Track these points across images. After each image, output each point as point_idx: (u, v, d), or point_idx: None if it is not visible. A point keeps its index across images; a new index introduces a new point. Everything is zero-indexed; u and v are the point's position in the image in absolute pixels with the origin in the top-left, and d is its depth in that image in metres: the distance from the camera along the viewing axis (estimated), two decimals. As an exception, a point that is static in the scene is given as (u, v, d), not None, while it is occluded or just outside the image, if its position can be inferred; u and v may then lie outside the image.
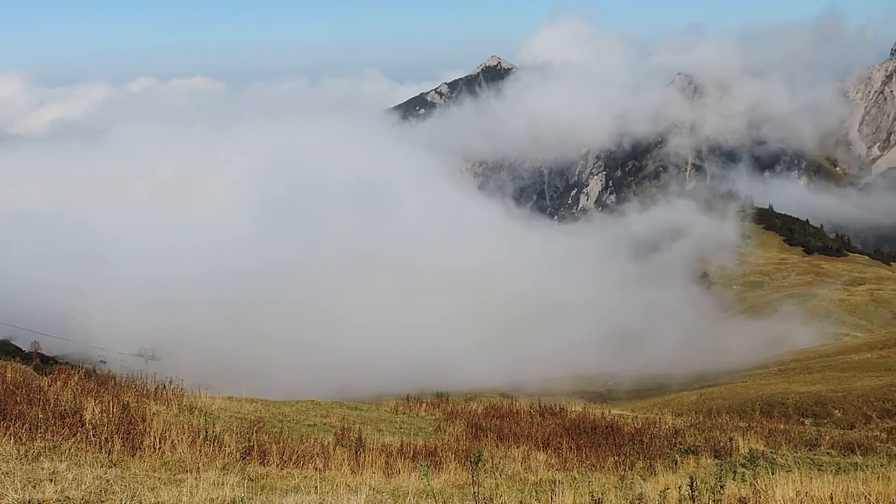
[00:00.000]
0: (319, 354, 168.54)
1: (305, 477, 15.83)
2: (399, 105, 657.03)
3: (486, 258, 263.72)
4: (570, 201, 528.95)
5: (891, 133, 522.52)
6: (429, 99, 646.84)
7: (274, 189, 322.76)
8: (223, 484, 13.64)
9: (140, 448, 16.30)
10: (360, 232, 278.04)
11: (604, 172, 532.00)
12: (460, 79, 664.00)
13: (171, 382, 24.06)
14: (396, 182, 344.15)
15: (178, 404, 22.44)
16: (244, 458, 17.26)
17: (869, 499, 12.02)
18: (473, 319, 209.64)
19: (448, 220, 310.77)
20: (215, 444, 17.65)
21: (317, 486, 14.50)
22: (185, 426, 18.24)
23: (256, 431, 19.45)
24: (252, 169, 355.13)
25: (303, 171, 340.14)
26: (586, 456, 22.63)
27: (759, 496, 12.71)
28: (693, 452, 24.19)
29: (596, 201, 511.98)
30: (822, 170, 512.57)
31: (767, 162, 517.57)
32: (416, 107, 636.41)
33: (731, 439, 25.52)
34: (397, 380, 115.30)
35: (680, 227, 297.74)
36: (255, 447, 17.92)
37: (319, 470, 17.10)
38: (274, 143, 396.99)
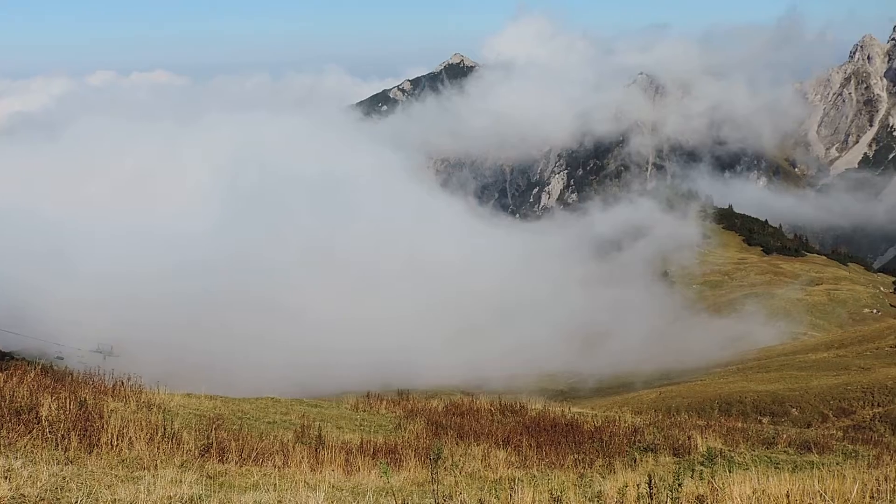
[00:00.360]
0: (281, 351, 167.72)
1: (265, 475, 15.77)
2: (362, 101, 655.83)
3: (448, 255, 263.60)
4: (531, 200, 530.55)
5: (849, 135, 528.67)
6: (391, 96, 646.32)
7: (236, 184, 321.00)
8: (181, 481, 13.55)
9: (97, 445, 16.15)
10: (322, 228, 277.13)
11: (565, 171, 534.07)
12: (423, 76, 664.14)
13: (129, 379, 23.84)
14: (359, 178, 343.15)
15: (137, 401, 22.24)
16: (203, 455, 17.15)
17: (824, 496, 12.14)
18: (436, 316, 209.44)
19: (411, 216, 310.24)
20: (174, 441, 17.53)
21: (276, 484, 14.45)
22: (143, 423, 18.07)
23: (215, 429, 19.31)
24: (214, 164, 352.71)
25: (265, 167, 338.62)
26: (546, 454, 22.69)
27: (717, 494, 12.80)
28: (652, 450, 24.34)
29: (557, 200, 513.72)
30: (781, 170, 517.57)
31: (728, 162, 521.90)
32: (378, 103, 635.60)
33: (689, 437, 25.69)
34: (360, 377, 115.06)
35: (642, 226, 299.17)
36: (214, 444, 17.81)
37: (279, 467, 17.04)
38: (236, 138, 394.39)
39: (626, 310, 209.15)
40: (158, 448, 16.72)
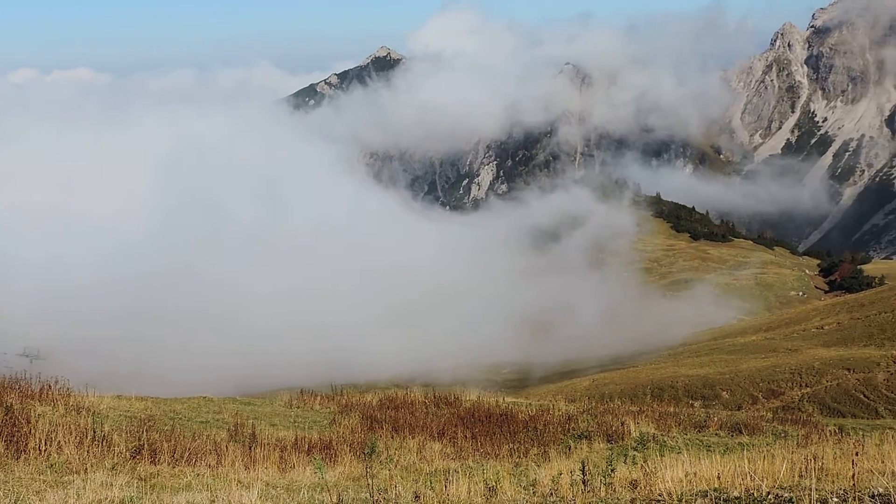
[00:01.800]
0: (219, 349, 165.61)
1: (198, 475, 15.60)
2: (290, 96, 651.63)
3: (387, 250, 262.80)
4: (461, 191, 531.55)
5: (771, 121, 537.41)
6: (319, 90, 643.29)
7: (168, 182, 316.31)
8: (112, 484, 13.35)
9: (24, 450, 15.86)
10: (258, 224, 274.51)
11: (495, 162, 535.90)
12: (350, 69, 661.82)
13: (56, 382, 23.38)
14: (292, 173, 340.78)
15: (65, 405, 21.85)
16: (134, 457, 16.92)
17: (754, 477, 12.30)
18: (380, 312, 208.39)
19: (346, 211, 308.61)
20: (104, 444, 17.26)
21: (209, 484, 14.30)
22: (73, 427, 17.77)
23: (147, 430, 19.05)
24: (144, 162, 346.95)
25: (197, 164, 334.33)
26: (481, 444, 22.76)
27: (650, 478, 12.90)
28: (586, 437, 24.52)
29: (487, 191, 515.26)
30: (707, 157, 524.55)
31: (655, 150, 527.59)
32: (306, 98, 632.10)
33: (623, 423, 25.93)
34: (303, 373, 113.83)
35: (577, 216, 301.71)
36: (146, 446, 17.58)
37: (212, 467, 16.87)
38: (166, 136, 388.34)
39: (567, 299, 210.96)
40: (88, 452, 16.45)
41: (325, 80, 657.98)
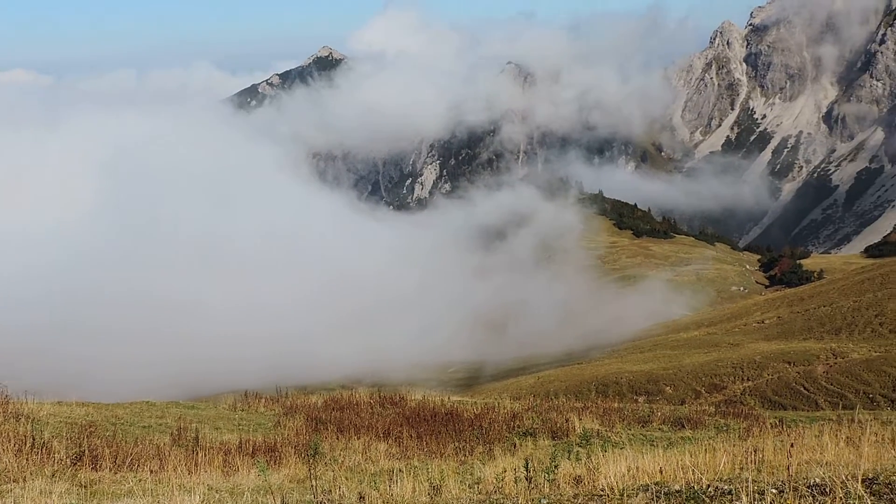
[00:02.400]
0: (166, 354, 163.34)
1: (140, 480, 15.44)
2: (231, 97, 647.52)
3: (335, 250, 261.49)
4: (405, 191, 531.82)
5: (711, 119, 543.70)
6: (260, 90, 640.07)
7: (111, 185, 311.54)
8: (51, 492, 13.17)
9: (-39, 460, 15.58)
10: (204, 226, 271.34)
11: (438, 162, 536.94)
12: (292, 70, 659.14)
13: (-6, 390, 23.01)
14: (236, 174, 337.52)
15: (3, 412, 21.51)
16: (75, 464, 16.71)
17: (696, 470, 12.43)
18: (331, 311, 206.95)
19: (293, 212, 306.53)
20: (44, 451, 17.03)
21: (151, 489, 14.14)
22: (11, 434, 17.50)
23: (88, 436, 18.80)
24: (86, 164, 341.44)
25: (139, 166, 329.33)
26: (427, 444, 22.78)
27: (593, 474, 13.00)
28: (531, 435, 24.62)
29: (431, 190, 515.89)
30: (648, 155, 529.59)
31: (598, 148, 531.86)
32: (248, 99, 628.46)
33: (567, 420, 26.06)
34: (249, 377, 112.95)
35: (522, 214, 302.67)
36: (87, 452, 17.36)
37: (155, 472, 16.70)
38: (107, 138, 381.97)
39: (517, 297, 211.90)
40: (27, 459, 16.21)
41: (266, 81, 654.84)
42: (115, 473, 16.18)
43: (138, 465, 17.23)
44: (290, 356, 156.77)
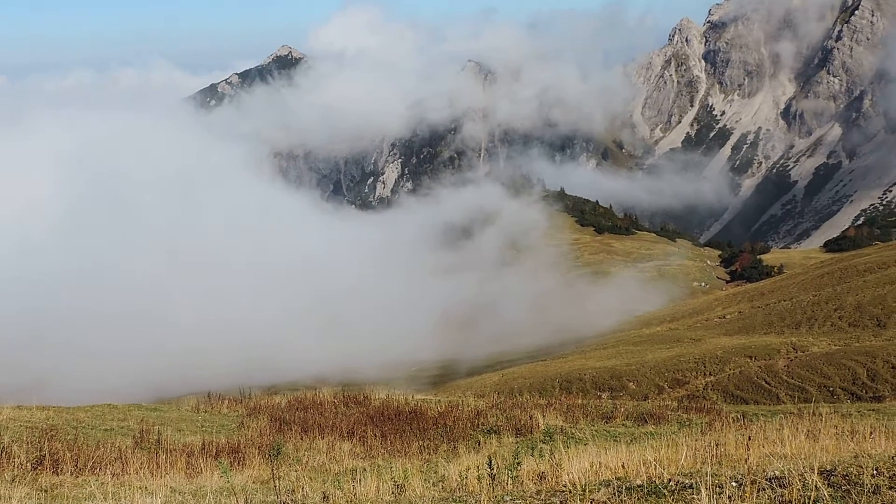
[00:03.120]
0: (134, 357, 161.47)
1: (101, 483, 15.31)
2: (192, 95, 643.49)
3: (301, 250, 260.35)
4: (367, 190, 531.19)
5: (671, 115, 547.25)
6: (220, 90, 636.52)
7: (71, 185, 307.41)
8: (11, 497, 13.04)
9: (-82, 466, 15.40)
10: (169, 226, 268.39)
11: (399, 160, 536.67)
12: (252, 69, 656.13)
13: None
14: (199, 174, 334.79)
15: (-38, 417, 21.30)
16: (35, 468, 16.56)
17: (658, 465, 12.53)
18: (300, 311, 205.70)
19: (258, 211, 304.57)
20: (4, 455, 16.87)
21: (113, 492, 14.04)
22: (-30, 440, 17.33)
23: (49, 440, 18.64)
24: (46, 166, 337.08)
25: (103, 167, 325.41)
26: (391, 443, 22.77)
27: (556, 470, 13.06)
28: (495, 432, 24.66)
29: (393, 189, 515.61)
30: (609, 152, 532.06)
31: (559, 145, 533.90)
32: (207, 98, 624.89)
33: (531, 417, 26.12)
34: (217, 377, 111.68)
35: (486, 212, 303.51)
36: (48, 456, 17.21)
37: (117, 475, 16.58)
38: (69, 139, 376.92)
39: (483, 295, 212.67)
40: (-13, 464, 16.05)
41: (225, 80, 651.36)
42: (77, 477, 16.05)
43: (100, 469, 17.10)
44: (258, 356, 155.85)
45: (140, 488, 14.52)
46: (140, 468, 17.39)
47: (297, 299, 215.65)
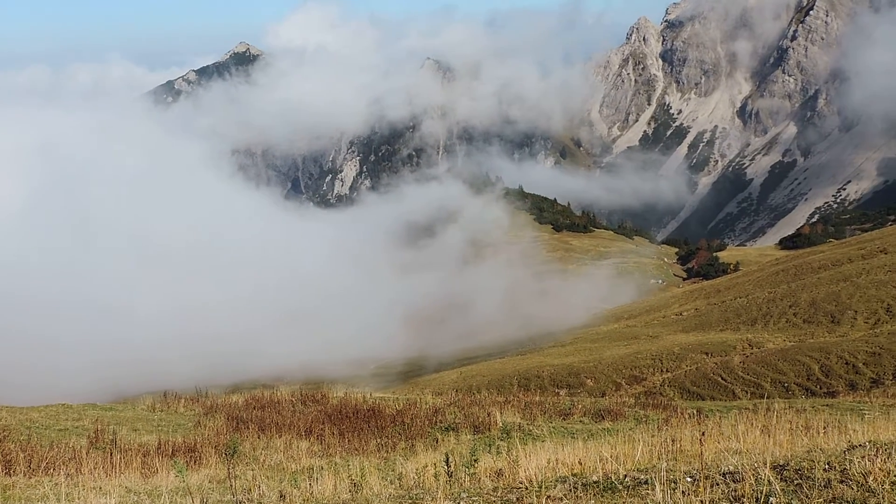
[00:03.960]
0: (91, 353, 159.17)
1: (55, 484, 15.15)
2: (149, 92, 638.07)
3: (264, 247, 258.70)
4: (325, 187, 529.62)
5: (629, 114, 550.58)
6: (177, 86, 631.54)
7: (33, 182, 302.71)
8: (-38, 499, 12.88)
9: None
10: (130, 223, 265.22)
11: (358, 158, 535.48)
12: (209, 66, 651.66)
13: None
14: (159, 171, 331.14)
15: (-88, 418, 20.98)
16: (-12, 469, 16.36)
17: (615, 461, 12.60)
18: (262, 310, 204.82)
19: (217, 208, 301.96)
20: (-46, 457, 16.65)
21: (67, 493, 13.89)
22: (-80, 440, 17.07)
23: (1, 440, 18.43)
24: (6, 162, 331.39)
25: (63, 163, 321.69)
26: (349, 441, 22.72)
27: (513, 467, 13.09)
28: (453, 430, 24.66)
29: (351, 187, 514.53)
30: (567, 150, 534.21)
31: (518, 143, 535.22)
32: (164, 95, 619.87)
33: (489, 414, 26.14)
34: (180, 376, 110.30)
35: (446, 209, 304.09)
36: (0, 457, 17.01)
37: (71, 476, 16.41)
38: (28, 135, 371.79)
39: (446, 293, 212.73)
40: (-62, 466, 15.82)
41: (182, 77, 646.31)
42: (30, 478, 15.87)
43: (54, 469, 16.92)
44: (221, 354, 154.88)
45: (94, 489, 14.38)
46: (95, 468, 17.22)
47: (260, 297, 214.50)
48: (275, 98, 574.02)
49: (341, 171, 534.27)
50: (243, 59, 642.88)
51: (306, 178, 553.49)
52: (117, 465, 17.67)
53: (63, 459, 17.85)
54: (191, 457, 19.37)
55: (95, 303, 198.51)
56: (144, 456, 18.98)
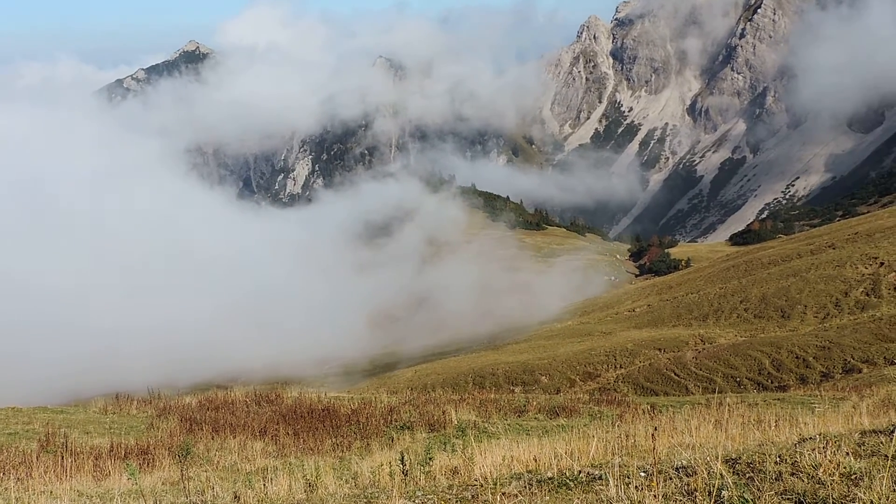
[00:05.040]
0: (45, 363, 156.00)
1: (5, 489, 14.95)
2: (99, 90, 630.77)
3: (221, 247, 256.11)
4: (277, 187, 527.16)
5: (580, 111, 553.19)
6: (126, 85, 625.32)
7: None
8: None
9: None
10: (84, 226, 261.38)
11: (310, 157, 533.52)
12: (159, 64, 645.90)
13: None
14: (108, 170, 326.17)
15: None
16: (-65, 474, 16.11)
17: (570, 457, 12.67)
18: (222, 310, 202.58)
19: (174, 209, 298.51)
20: None
21: (17, 497, 13.72)
22: None
23: (-51, 445, 18.17)
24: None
25: (14, 163, 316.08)
26: (304, 441, 22.64)
27: (469, 464, 13.12)
28: (409, 428, 24.64)
29: (304, 186, 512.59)
30: (520, 148, 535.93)
31: (470, 140, 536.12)
32: (113, 94, 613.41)
33: (444, 412, 26.14)
34: (136, 377, 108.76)
35: (403, 208, 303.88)
36: (-52, 462, 16.77)
37: (21, 480, 16.19)
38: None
39: (407, 290, 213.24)
40: None
41: (131, 76, 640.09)
42: (-21, 483, 15.65)
43: (3, 473, 16.71)
44: (181, 358, 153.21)
45: (45, 493, 14.21)
46: (46, 472, 17.02)
47: (219, 298, 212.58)
48: (225, 97, 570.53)
49: (293, 170, 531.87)
50: (193, 58, 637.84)
51: (258, 177, 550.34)
52: (69, 469, 17.48)
53: (13, 464, 17.64)
54: (144, 459, 19.21)
55: (52, 299, 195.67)
56: (96, 459, 18.79)
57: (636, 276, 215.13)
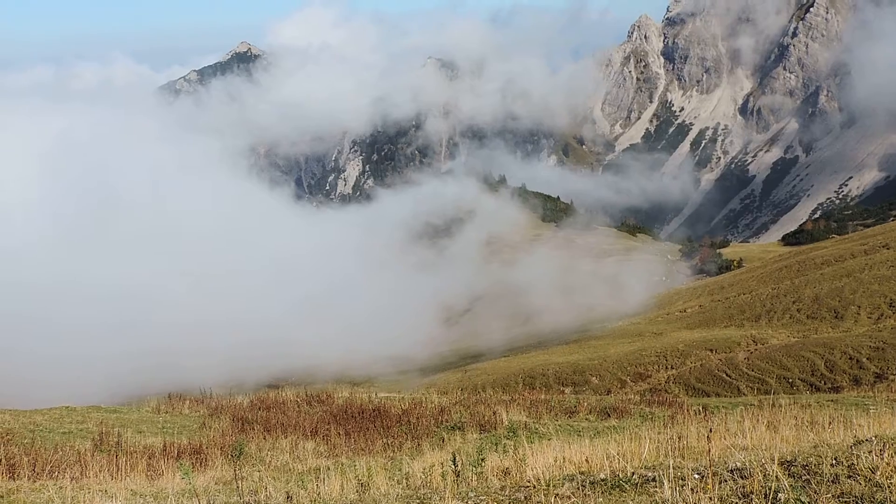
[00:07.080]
0: (122, 355, 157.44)
1: (60, 488, 15.11)
2: (150, 92, 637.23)
3: (286, 247, 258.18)
4: (328, 187, 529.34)
5: (631, 111, 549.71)
6: (178, 87, 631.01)
7: (44, 184, 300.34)
8: (-34, 503, 12.83)
9: None
10: (145, 222, 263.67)
11: (361, 157, 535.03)
12: (211, 65, 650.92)
13: None
14: (169, 170, 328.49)
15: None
16: (-9, 473, 16.31)
17: (621, 459, 12.57)
18: (293, 310, 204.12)
19: (235, 209, 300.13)
20: (-42, 461, 16.60)
21: (72, 497, 13.86)
22: (-76, 444, 17.02)
23: (5, 444, 18.41)
24: (15, 163, 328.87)
25: (72, 163, 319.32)
26: (355, 441, 22.71)
27: (520, 465, 13.06)
28: (459, 429, 24.63)
29: (354, 186, 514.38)
30: (570, 148, 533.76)
31: (521, 140, 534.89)
32: (166, 95, 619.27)
33: (494, 413, 26.10)
34: (206, 374, 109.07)
35: (463, 208, 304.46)
36: (3, 461, 16.97)
37: (76, 479, 16.37)
38: (40, 137, 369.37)
39: (471, 289, 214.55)
40: (-58, 470, 15.78)
41: (183, 77, 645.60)
42: (34, 482, 15.82)
43: (58, 473, 16.89)
44: (252, 355, 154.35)
45: (100, 492, 14.34)
46: (100, 471, 17.18)
47: (285, 297, 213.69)
48: (277, 97, 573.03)
49: (344, 171, 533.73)
50: (245, 59, 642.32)
51: (309, 178, 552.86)
52: (122, 468, 17.63)
53: (67, 462, 17.83)
54: (196, 458, 19.35)
55: (121, 312, 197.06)
56: (149, 458, 18.95)
57: (687, 276, 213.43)
